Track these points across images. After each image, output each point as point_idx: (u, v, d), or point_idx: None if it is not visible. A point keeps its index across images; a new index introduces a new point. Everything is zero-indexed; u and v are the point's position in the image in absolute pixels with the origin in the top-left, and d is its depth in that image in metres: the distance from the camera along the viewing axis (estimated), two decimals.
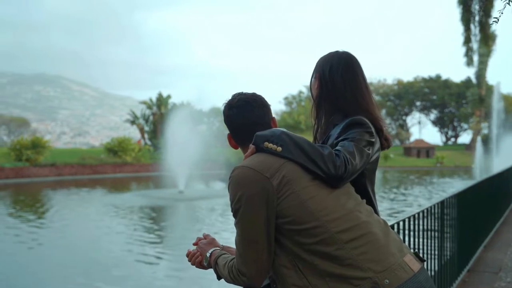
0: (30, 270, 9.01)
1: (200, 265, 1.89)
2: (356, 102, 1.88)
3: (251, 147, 1.68)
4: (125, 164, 40.00)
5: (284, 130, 1.70)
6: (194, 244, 1.94)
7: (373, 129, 1.81)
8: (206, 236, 1.96)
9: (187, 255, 1.93)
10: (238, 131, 1.84)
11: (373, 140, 1.79)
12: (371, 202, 1.82)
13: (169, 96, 57.70)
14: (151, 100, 57.08)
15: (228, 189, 1.64)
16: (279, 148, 1.61)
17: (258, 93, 1.91)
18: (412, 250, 1.69)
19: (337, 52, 1.97)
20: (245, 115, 1.80)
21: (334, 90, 1.90)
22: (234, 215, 1.62)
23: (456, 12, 17.46)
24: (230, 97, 1.87)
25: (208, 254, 1.85)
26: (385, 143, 1.92)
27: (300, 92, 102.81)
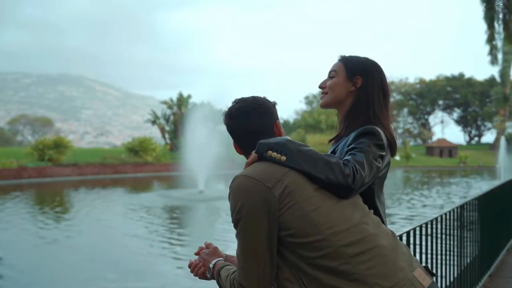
0: (56, 265, 9.09)
1: (203, 276, 1.81)
2: (386, 114, 1.87)
3: (253, 155, 1.61)
4: (146, 163, 40.26)
5: (289, 138, 1.63)
6: (196, 254, 1.87)
7: (385, 142, 1.74)
8: (208, 245, 1.88)
9: (189, 266, 1.85)
10: (240, 140, 1.78)
11: (383, 153, 1.72)
12: (378, 214, 1.74)
13: (189, 96, 57.96)
14: (171, 100, 57.42)
15: (229, 199, 1.57)
16: (284, 158, 1.54)
17: (268, 94, 1.83)
18: (431, 255, 1.59)
19: (372, 60, 1.94)
20: (245, 125, 1.74)
21: (373, 97, 1.87)
22: (235, 226, 1.55)
23: (479, 9, 17.14)
24: (229, 106, 1.80)
25: (211, 265, 1.77)
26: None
27: (320, 92, 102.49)
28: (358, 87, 1.87)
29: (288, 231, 1.48)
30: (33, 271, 8.83)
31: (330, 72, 1.95)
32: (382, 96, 1.88)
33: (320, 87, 1.97)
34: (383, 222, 1.71)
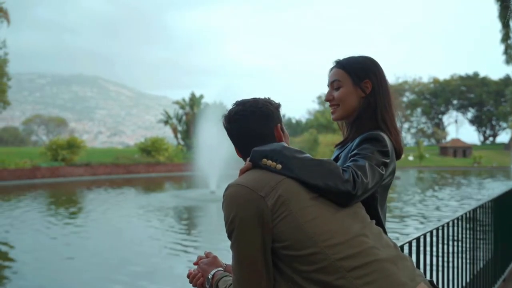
0: (67, 266, 9.11)
1: (201, 287, 1.75)
2: (391, 113, 1.81)
3: (247, 163, 1.54)
4: (158, 163, 40.39)
5: (285, 144, 1.56)
6: (194, 264, 1.81)
7: (390, 148, 1.67)
8: (207, 255, 1.82)
9: (188, 276, 1.79)
10: (239, 144, 1.71)
11: (388, 160, 1.64)
12: (380, 224, 1.66)
13: (201, 96, 58.07)
14: (184, 100, 57.57)
15: (222, 209, 1.51)
16: (279, 166, 1.47)
17: (272, 95, 1.78)
18: (442, 258, 1.51)
19: (370, 57, 1.87)
20: (244, 129, 1.67)
21: (381, 99, 1.80)
22: (229, 237, 1.48)
23: (494, 9, 16.95)
24: (229, 109, 1.74)
25: (210, 276, 1.71)
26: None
27: None
28: (369, 92, 1.80)
29: (282, 243, 1.41)
30: (43, 272, 8.86)
31: (332, 82, 1.85)
32: (387, 96, 1.82)
33: (327, 100, 1.88)
34: (384, 231, 1.64)
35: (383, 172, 1.61)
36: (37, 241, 11.76)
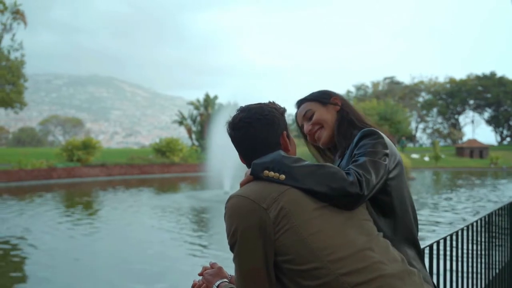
0: (80, 268, 9.15)
1: None
2: (364, 118, 1.94)
3: (248, 176, 1.51)
4: (173, 164, 40.49)
5: (283, 153, 1.53)
6: (199, 275, 1.78)
7: (385, 139, 1.69)
8: (212, 265, 1.79)
9: (193, 287, 1.77)
10: (243, 151, 1.68)
11: (387, 151, 1.65)
12: (400, 223, 1.67)
13: (216, 97, 58.14)
14: (198, 100, 57.68)
15: (224, 220, 1.47)
16: (283, 176, 1.44)
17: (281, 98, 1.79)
18: (456, 262, 1.46)
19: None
20: (248, 137, 1.64)
21: (351, 108, 1.94)
22: (231, 249, 1.45)
23: (511, 7, 16.70)
24: (233, 114, 1.70)
25: (214, 287, 1.68)
26: None
27: (349, 91, 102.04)
28: (341, 104, 1.93)
29: (284, 257, 1.37)
30: (59, 272, 8.91)
31: (304, 115, 1.95)
32: (351, 105, 1.97)
33: (308, 132, 1.96)
34: (412, 231, 1.66)
35: (386, 162, 1.61)
36: (54, 240, 11.85)
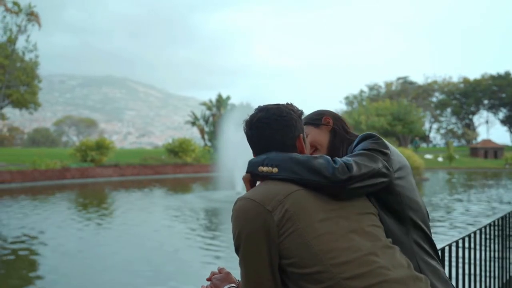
0: (92, 268, 9.20)
1: None
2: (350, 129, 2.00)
3: (246, 174, 1.51)
4: (185, 164, 40.61)
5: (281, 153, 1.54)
6: (207, 280, 1.77)
7: (386, 142, 1.69)
8: (221, 270, 1.78)
9: None
10: (259, 151, 1.65)
11: (387, 151, 1.64)
12: (412, 225, 1.67)
13: (228, 97, 58.19)
14: (210, 101, 57.78)
15: (231, 223, 1.48)
16: (275, 169, 1.46)
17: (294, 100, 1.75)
18: (469, 265, 1.44)
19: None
20: (265, 137, 1.62)
21: (341, 123, 2.00)
22: (236, 252, 1.45)
23: None
24: (251, 113, 1.69)
25: None
26: None
27: (362, 91, 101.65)
28: (333, 123, 1.97)
29: (288, 260, 1.36)
30: (68, 273, 8.98)
31: None
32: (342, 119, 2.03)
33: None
34: (427, 236, 1.65)
35: (381, 158, 1.60)
36: (65, 240, 11.92)
